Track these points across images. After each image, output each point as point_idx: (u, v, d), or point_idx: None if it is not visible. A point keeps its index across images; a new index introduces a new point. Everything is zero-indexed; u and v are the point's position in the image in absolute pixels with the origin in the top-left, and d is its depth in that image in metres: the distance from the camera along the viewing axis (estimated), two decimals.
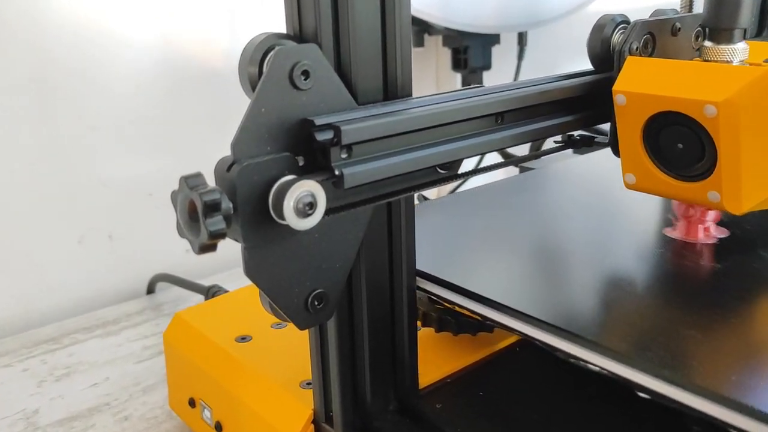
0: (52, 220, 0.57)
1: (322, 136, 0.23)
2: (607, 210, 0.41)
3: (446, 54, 0.78)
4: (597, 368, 0.26)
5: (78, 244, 0.59)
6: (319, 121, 0.24)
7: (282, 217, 0.23)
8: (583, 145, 0.32)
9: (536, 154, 0.32)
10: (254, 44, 0.24)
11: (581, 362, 0.27)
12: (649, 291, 0.31)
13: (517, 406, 0.31)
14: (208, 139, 0.64)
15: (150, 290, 0.61)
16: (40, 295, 0.58)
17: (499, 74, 0.79)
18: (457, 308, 0.32)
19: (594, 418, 0.30)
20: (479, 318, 0.31)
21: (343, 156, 0.24)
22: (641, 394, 0.25)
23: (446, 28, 0.70)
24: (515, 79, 0.81)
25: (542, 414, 0.31)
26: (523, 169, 0.51)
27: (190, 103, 0.63)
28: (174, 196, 0.22)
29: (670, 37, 0.32)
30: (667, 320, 0.28)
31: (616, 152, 0.32)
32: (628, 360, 0.25)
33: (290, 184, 0.22)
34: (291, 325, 0.38)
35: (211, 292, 0.50)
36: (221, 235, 0.21)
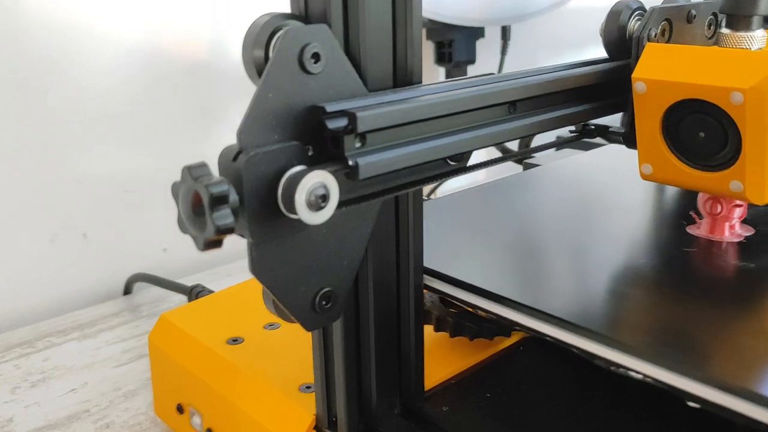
0: (23, 217, 0.55)
1: (335, 124, 0.22)
2: (623, 207, 0.40)
3: (428, 47, 0.77)
4: (640, 376, 0.25)
5: (50, 243, 0.56)
6: (330, 108, 0.22)
7: (293, 211, 0.21)
8: (599, 135, 0.31)
9: (548, 144, 0.31)
10: (259, 25, 0.23)
11: (620, 369, 0.25)
12: (685, 292, 0.30)
13: (527, 406, 0.30)
14: (188, 135, 0.61)
15: (127, 291, 0.59)
16: (10, 296, 0.55)
17: (484, 69, 0.77)
18: (469, 308, 0.31)
19: (605, 416, 0.29)
20: (495, 319, 0.30)
21: (357, 145, 0.22)
22: (691, 404, 0.24)
23: (431, 21, 0.69)
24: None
25: (553, 414, 0.30)
26: (527, 166, 0.49)
27: (171, 97, 0.60)
28: (175, 187, 0.21)
29: (685, 25, 0.31)
30: (709, 322, 0.27)
31: (629, 143, 0.31)
32: (674, 366, 0.24)
33: (302, 175, 0.21)
34: (285, 326, 0.37)
35: (194, 293, 0.48)
36: (229, 230, 0.20)
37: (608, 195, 0.43)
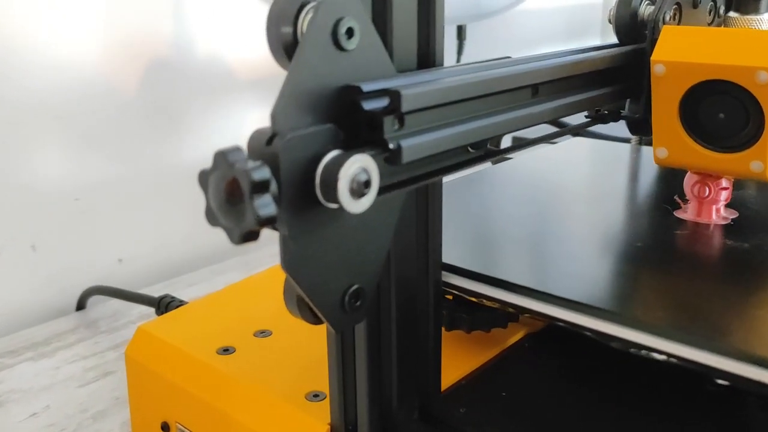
0: None
1: (372, 105, 0.20)
2: (606, 196, 0.41)
3: None
4: (662, 357, 0.24)
5: None
6: (366, 87, 0.21)
7: (332, 199, 0.20)
8: (612, 120, 0.30)
9: (575, 127, 0.30)
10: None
11: (642, 350, 0.25)
12: (691, 271, 0.30)
13: (544, 403, 0.29)
14: (145, 138, 0.58)
15: (80, 306, 0.55)
16: None
17: None
18: (472, 298, 0.30)
19: (626, 404, 0.29)
20: (494, 308, 0.29)
21: (395, 128, 0.21)
22: (720, 381, 0.24)
23: None
24: None
25: (572, 408, 0.29)
26: (498, 160, 0.49)
27: (126, 97, 0.57)
28: (205, 175, 0.19)
29: (691, 9, 0.31)
30: (726, 300, 0.28)
31: (639, 129, 0.30)
32: (701, 342, 0.24)
33: (343, 159, 0.19)
34: (278, 333, 0.35)
35: (163, 304, 0.45)
36: (271, 220, 0.18)
37: (588, 185, 0.43)
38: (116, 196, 0.57)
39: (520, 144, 0.27)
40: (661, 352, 0.25)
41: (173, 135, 0.59)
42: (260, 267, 0.57)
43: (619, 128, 0.50)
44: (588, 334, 0.26)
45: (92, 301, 0.55)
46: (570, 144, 0.53)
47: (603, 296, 0.27)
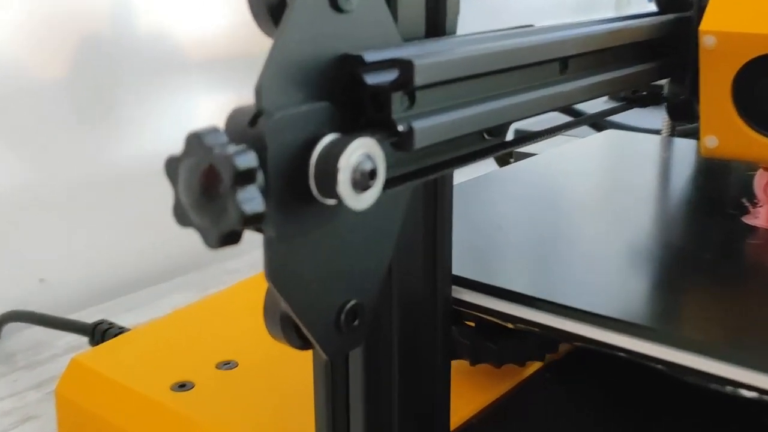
0: None
1: (377, 78, 0.20)
2: (658, 198, 0.41)
3: None
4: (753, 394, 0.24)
5: None
6: (369, 58, 0.20)
7: (331, 193, 0.19)
8: (652, 103, 0.30)
9: (603, 112, 0.30)
10: None
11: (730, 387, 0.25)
12: None
13: None
14: (73, 132, 0.57)
15: None
16: None
17: None
18: (507, 324, 0.29)
19: None
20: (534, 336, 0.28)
21: (404, 106, 0.21)
22: None
23: None
24: None
25: None
26: (519, 156, 0.49)
27: (50, 82, 0.56)
28: (173, 163, 0.18)
29: None
30: None
31: (681, 114, 0.30)
32: None
33: (344, 144, 0.19)
34: (245, 364, 0.34)
35: (99, 331, 0.44)
36: (258, 218, 0.17)
37: (633, 186, 0.43)
38: (38, 204, 0.56)
39: (545, 131, 0.27)
40: (754, 389, 0.24)
41: (108, 128, 0.58)
42: (211, 288, 0.56)
43: (639, 118, 0.50)
44: (661, 368, 0.25)
45: (8, 329, 0.54)
46: (601, 138, 0.53)
47: (679, 323, 0.27)
